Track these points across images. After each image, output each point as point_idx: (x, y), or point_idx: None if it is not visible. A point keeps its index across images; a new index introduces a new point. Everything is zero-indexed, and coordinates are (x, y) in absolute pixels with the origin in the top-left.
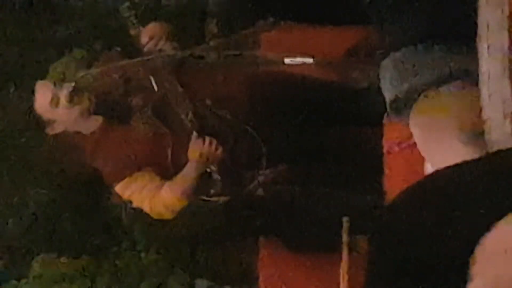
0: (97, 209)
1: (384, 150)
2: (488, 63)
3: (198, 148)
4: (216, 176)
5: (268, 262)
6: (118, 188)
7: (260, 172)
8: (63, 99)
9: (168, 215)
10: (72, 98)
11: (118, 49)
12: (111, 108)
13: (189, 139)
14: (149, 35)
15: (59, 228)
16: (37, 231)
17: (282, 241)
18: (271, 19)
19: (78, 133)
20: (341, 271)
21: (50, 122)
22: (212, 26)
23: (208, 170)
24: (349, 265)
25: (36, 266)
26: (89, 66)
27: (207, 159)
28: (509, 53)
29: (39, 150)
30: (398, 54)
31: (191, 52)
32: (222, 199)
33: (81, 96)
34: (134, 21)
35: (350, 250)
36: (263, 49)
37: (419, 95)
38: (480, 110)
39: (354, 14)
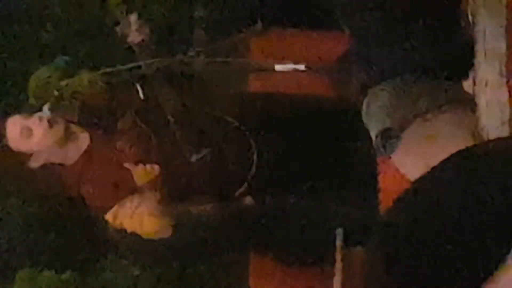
0: (82, 222)
1: (378, 161)
2: (485, 70)
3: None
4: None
5: (259, 276)
6: (108, 217)
7: (249, 176)
8: (35, 127)
9: (165, 234)
10: (55, 111)
11: None
12: (96, 118)
13: (178, 152)
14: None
15: (43, 242)
16: (20, 245)
17: (273, 254)
18: (261, 25)
19: (60, 165)
20: (334, 283)
21: (30, 156)
22: (199, 33)
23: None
24: (343, 277)
25: (19, 281)
26: (73, 74)
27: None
28: (507, 59)
29: (19, 185)
30: (388, 83)
31: (178, 59)
32: (209, 206)
33: (61, 110)
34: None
35: (344, 262)
36: (253, 56)
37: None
38: (476, 126)
39: None
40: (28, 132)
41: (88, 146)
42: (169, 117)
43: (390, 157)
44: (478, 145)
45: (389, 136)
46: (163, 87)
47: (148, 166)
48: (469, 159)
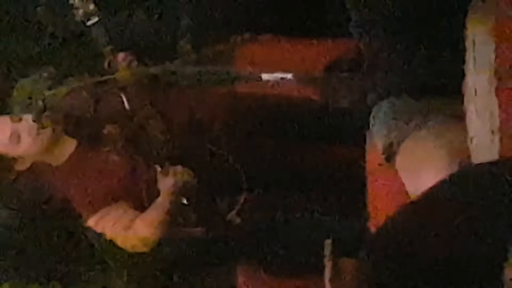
0: (68, 233)
1: (367, 171)
2: (475, 78)
3: (168, 181)
4: (190, 206)
5: (246, 287)
6: (91, 222)
7: (237, 198)
8: (24, 133)
9: (142, 249)
10: (39, 121)
11: None
12: (82, 129)
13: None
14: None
15: (28, 253)
16: (4, 257)
17: (261, 265)
18: (247, 34)
19: (47, 165)
20: None
21: (17, 159)
22: (184, 41)
23: (183, 200)
24: None
25: None
26: (58, 84)
27: (179, 189)
28: (496, 67)
29: (5, 188)
30: (393, 101)
31: (163, 68)
32: (198, 230)
33: (46, 120)
34: (105, 40)
35: (333, 273)
36: (239, 65)
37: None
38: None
39: (334, 27)
40: (16, 137)
41: (76, 148)
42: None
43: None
44: (470, 168)
45: (391, 153)
46: (145, 101)
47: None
48: (461, 183)
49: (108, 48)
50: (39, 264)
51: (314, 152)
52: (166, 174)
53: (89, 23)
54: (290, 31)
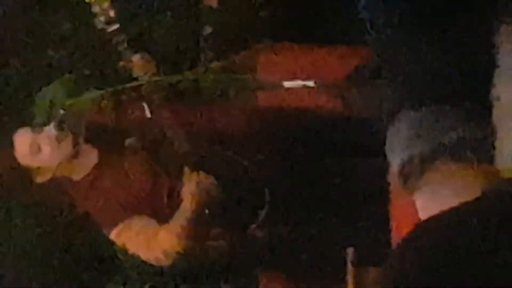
0: (89, 241)
1: (390, 180)
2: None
3: (192, 186)
4: (212, 219)
5: None
6: (113, 235)
7: (260, 212)
8: (44, 144)
9: (165, 262)
10: (60, 129)
11: None
12: (103, 138)
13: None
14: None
15: (48, 263)
16: (25, 267)
17: (283, 273)
18: (269, 41)
19: (68, 179)
20: None
21: (38, 170)
22: (207, 49)
23: (206, 212)
24: None
25: None
26: (79, 92)
27: (203, 195)
28: None
29: (26, 200)
30: (411, 114)
31: (185, 76)
32: (221, 243)
33: (67, 128)
34: (125, 47)
35: (355, 282)
36: (261, 73)
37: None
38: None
39: (355, 34)
40: (36, 148)
41: (97, 162)
42: (178, 156)
43: (412, 195)
44: (500, 183)
45: (408, 171)
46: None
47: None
48: (490, 202)
49: (128, 53)
50: (59, 274)
51: (337, 161)
52: (190, 178)
53: (109, 29)
54: (312, 38)
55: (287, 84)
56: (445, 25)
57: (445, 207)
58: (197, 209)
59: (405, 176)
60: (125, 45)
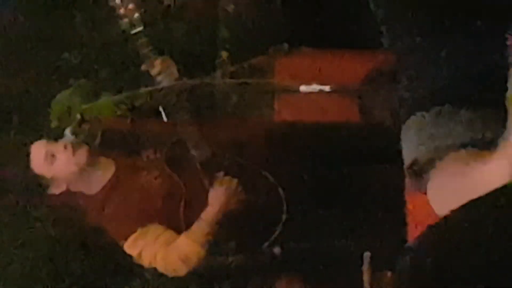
0: (105, 249)
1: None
2: None
3: (222, 189)
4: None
5: None
6: (127, 245)
7: (278, 227)
8: (59, 153)
9: (183, 270)
10: (76, 134)
11: None
12: (119, 142)
13: (203, 191)
14: (159, 69)
15: (66, 268)
16: (42, 272)
17: (300, 278)
18: (286, 46)
19: (81, 194)
20: None
21: (52, 181)
22: (224, 53)
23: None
24: None
25: None
26: (95, 97)
27: (229, 202)
28: None
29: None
30: (423, 115)
31: (202, 80)
32: (237, 258)
33: (83, 133)
34: (148, 49)
35: (371, 286)
36: (278, 77)
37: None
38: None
39: (371, 39)
40: (51, 157)
41: (114, 175)
42: (197, 165)
43: (423, 193)
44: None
45: (420, 168)
46: (186, 112)
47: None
48: (504, 198)
49: (150, 56)
50: (76, 281)
51: (353, 168)
52: (221, 184)
53: (133, 32)
54: (329, 43)
55: (303, 88)
56: (460, 29)
57: (459, 198)
58: (222, 217)
59: (416, 174)
60: (149, 47)
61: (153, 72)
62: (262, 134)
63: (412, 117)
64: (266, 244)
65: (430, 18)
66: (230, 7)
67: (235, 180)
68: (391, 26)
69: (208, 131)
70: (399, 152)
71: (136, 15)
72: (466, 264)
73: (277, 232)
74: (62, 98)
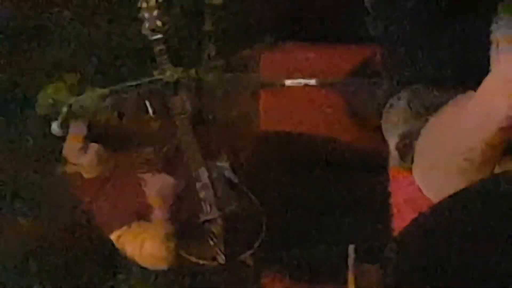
0: (92, 241)
1: (391, 175)
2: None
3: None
4: (211, 239)
5: None
6: (113, 237)
7: (257, 241)
8: (92, 151)
9: (161, 264)
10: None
11: None
12: (105, 135)
13: (193, 190)
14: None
15: (52, 261)
16: (28, 265)
17: (285, 272)
18: (271, 40)
19: (79, 174)
20: None
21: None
22: (209, 47)
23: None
24: None
25: None
26: (81, 91)
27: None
28: None
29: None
30: (411, 92)
31: (188, 74)
32: (214, 264)
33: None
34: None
35: (356, 279)
36: (263, 71)
37: None
38: None
39: (356, 33)
40: (85, 150)
41: (111, 165)
42: (193, 173)
43: (410, 171)
44: (499, 174)
45: (406, 145)
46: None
47: None
48: (489, 189)
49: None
50: (63, 272)
51: (336, 168)
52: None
53: (153, 37)
54: (315, 37)
55: (289, 82)
56: (447, 16)
57: (445, 177)
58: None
59: (402, 152)
60: (164, 55)
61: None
62: (247, 141)
63: (396, 96)
64: (243, 255)
65: (417, 7)
66: (217, 0)
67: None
68: (379, 14)
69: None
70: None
71: (159, 22)
72: (451, 255)
73: (256, 245)
74: (49, 91)
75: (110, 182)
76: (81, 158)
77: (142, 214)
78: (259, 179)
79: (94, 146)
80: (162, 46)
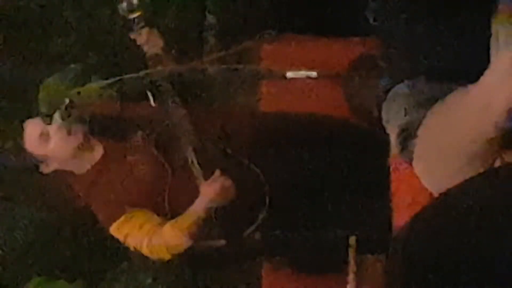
0: (93, 230)
1: (391, 168)
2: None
3: (216, 186)
4: (214, 219)
5: (271, 283)
6: (113, 229)
7: (260, 215)
8: (54, 134)
9: (168, 256)
10: (65, 119)
11: None
12: (107, 127)
13: (189, 178)
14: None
15: (54, 250)
16: (31, 254)
17: (286, 262)
18: (272, 32)
19: (70, 173)
20: None
21: (44, 160)
22: (211, 39)
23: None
24: (356, 284)
25: None
26: (83, 82)
27: (218, 200)
28: None
29: (30, 189)
30: (410, 85)
31: (189, 65)
32: (219, 243)
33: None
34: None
35: (357, 270)
36: (264, 63)
37: None
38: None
39: (357, 25)
40: (46, 136)
41: (102, 157)
42: (187, 155)
43: (410, 163)
44: (501, 166)
45: (407, 136)
46: (175, 96)
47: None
48: (490, 181)
49: (138, 26)
50: (65, 261)
51: (338, 152)
52: (216, 179)
53: (131, 17)
54: (315, 29)
55: (289, 74)
56: (447, 8)
57: (445, 169)
58: (212, 208)
59: (403, 142)
60: (141, 22)
61: (140, 40)
62: (248, 123)
63: (396, 88)
64: (248, 230)
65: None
66: None
67: (230, 181)
68: (380, 6)
69: (195, 119)
70: (384, 134)
71: (135, 0)
72: (455, 248)
73: (260, 219)
74: (51, 82)
75: (102, 174)
76: (45, 147)
77: (139, 204)
78: (259, 160)
79: (53, 128)
80: (142, 24)
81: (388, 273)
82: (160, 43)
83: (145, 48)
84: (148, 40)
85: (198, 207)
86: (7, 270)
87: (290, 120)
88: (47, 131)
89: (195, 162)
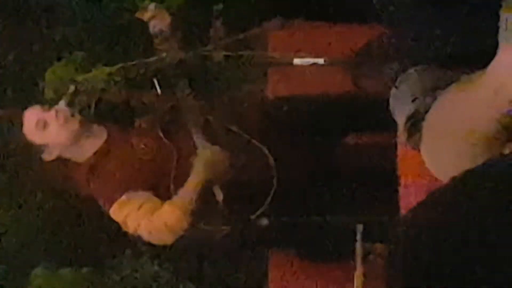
0: (98, 218)
1: (398, 156)
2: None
3: (207, 154)
4: (220, 203)
5: (278, 272)
6: (113, 209)
7: (268, 199)
8: (51, 121)
9: (169, 238)
10: (71, 105)
11: None
12: (113, 113)
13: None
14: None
15: (59, 238)
16: (36, 241)
17: (293, 250)
18: (280, 19)
19: (70, 161)
20: (355, 279)
21: (45, 147)
22: (218, 26)
23: (216, 196)
24: (363, 272)
25: (35, 278)
26: (89, 69)
27: (212, 172)
28: None
29: (33, 177)
30: (416, 73)
31: (197, 52)
32: (224, 228)
33: (78, 104)
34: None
35: (364, 258)
36: (272, 50)
37: None
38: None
39: (364, 12)
40: (43, 124)
41: (105, 142)
42: (193, 136)
43: (418, 150)
44: (510, 154)
45: (415, 123)
46: (181, 83)
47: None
48: (499, 169)
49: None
50: (70, 249)
51: (346, 140)
52: (204, 148)
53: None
54: (323, 16)
55: (297, 61)
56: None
57: (453, 156)
58: (207, 183)
59: (410, 129)
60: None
61: (146, 17)
62: (256, 106)
63: (403, 76)
64: (254, 215)
65: None
66: None
67: (223, 152)
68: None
69: (202, 104)
70: (392, 121)
71: None
72: (460, 235)
73: (266, 203)
74: (57, 69)
75: (102, 161)
76: (43, 135)
77: (142, 186)
78: (266, 145)
79: (75, 119)
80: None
81: (389, 258)
82: (167, 19)
83: (152, 24)
84: (154, 16)
85: (191, 183)
86: (13, 258)
87: (299, 102)
88: (44, 118)
89: (202, 142)
